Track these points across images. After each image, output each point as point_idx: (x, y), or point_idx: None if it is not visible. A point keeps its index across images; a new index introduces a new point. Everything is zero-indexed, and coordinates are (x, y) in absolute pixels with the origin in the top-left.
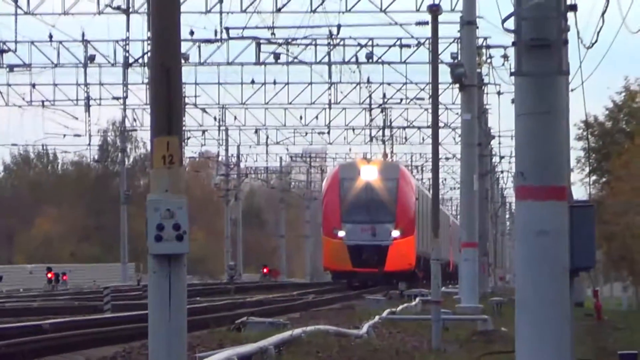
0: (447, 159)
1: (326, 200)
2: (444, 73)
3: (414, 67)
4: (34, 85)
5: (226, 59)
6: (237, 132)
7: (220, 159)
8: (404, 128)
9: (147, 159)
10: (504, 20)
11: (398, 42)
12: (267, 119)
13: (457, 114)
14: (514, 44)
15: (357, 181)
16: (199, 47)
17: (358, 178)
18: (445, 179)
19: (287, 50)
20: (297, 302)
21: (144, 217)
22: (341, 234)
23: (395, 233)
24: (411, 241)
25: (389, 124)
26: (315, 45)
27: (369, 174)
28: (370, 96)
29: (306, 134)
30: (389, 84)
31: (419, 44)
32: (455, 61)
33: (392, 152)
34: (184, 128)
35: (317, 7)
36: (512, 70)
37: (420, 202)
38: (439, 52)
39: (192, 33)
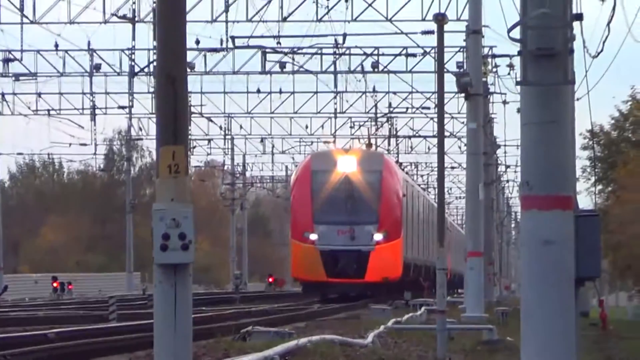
0: (452, 168)
1: (295, 197)
2: (450, 82)
3: (419, 76)
4: (39, 94)
5: (232, 68)
6: (243, 141)
7: (226, 168)
8: (410, 137)
9: (152, 167)
10: (509, 30)
11: (404, 51)
12: (273, 128)
13: (463, 123)
14: (519, 53)
15: (332, 174)
16: (205, 56)
17: (333, 170)
18: (450, 188)
19: (293, 60)
20: (302, 311)
21: (150, 226)
22: (313, 237)
23: (378, 236)
24: (397, 246)
25: (394, 133)
26: (321, 54)
27: (347, 166)
28: (376, 105)
29: (312, 143)
30: (394, 93)
31: (424, 53)
32: (461, 70)
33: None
34: (189, 137)
35: (323, 16)
36: (518, 79)
37: (409, 199)
38: (445, 61)
39: (197, 42)
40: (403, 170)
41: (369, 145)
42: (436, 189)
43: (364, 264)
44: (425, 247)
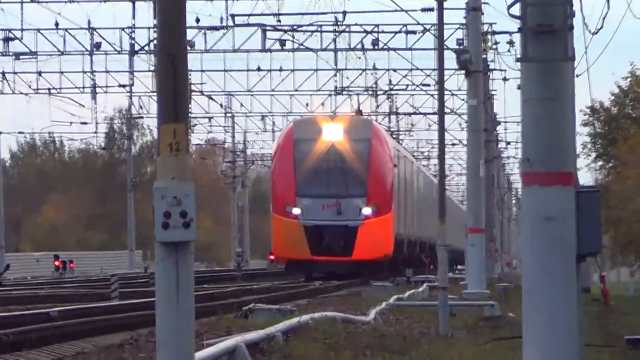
0: (453, 145)
1: (276, 168)
2: (450, 59)
3: (419, 53)
4: (40, 73)
5: (232, 46)
6: (244, 119)
7: (226, 146)
8: (410, 114)
9: (153, 146)
10: (509, 6)
11: (404, 29)
12: (273, 105)
13: (463, 100)
14: (519, 30)
15: (316, 143)
16: (205, 34)
17: (318, 139)
18: (451, 165)
19: (293, 37)
20: (304, 289)
21: (151, 204)
22: (296, 211)
23: (367, 210)
24: (388, 220)
25: (395, 110)
26: (321, 32)
27: (333, 134)
28: (376, 82)
29: None
30: (395, 70)
31: (424, 31)
32: (461, 47)
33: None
34: (190, 115)
35: None
36: (518, 56)
37: (401, 170)
38: (445, 39)
39: (197, 20)
40: (396, 140)
41: (359, 112)
42: (437, 166)
43: (352, 241)
44: (420, 222)
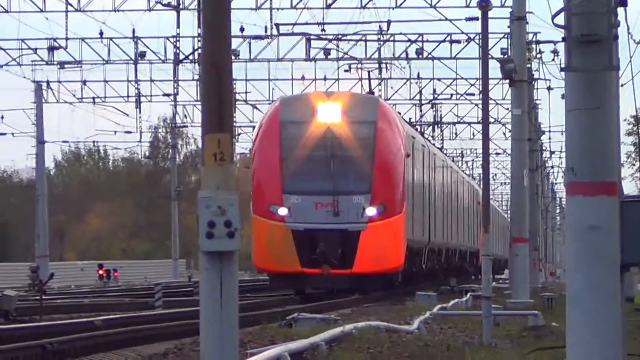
0: (497, 154)
1: (258, 157)
2: (494, 68)
3: (464, 62)
4: (84, 82)
5: (276, 55)
6: None
7: None
8: (454, 124)
9: (197, 155)
10: (554, 16)
11: (448, 38)
12: None
13: (507, 109)
14: (564, 39)
15: (308, 126)
16: (249, 43)
17: (311, 121)
18: (495, 175)
19: (337, 46)
20: (348, 297)
21: (195, 213)
22: (282, 212)
23: (372, 211)
24: (398, 224)
25: (439, 119)
26: (365, 41)
27: (329, 114)
28: (420, 92)
29: None
30: (439, 79)
31: (469, 40)
32: (506, 57)
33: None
34: (234, 124)
35: (367, 3)
36: (562, 65)
37: (417, 161)
38: (489, 48)
39: (242, 29)
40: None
41: (371, 93)
42: (481, 175)
43: (352, 249)
44: (444, 227)
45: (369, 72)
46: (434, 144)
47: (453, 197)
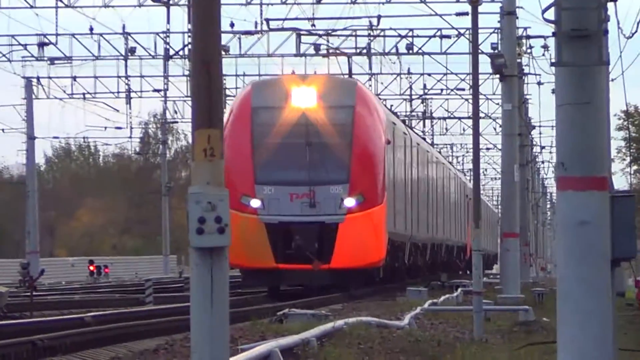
0: (487, 149)
1: (228, 145)
2: (484, 63)
3: (454, 57)
4: (74, 78)
5: (267, 50)
6: None
7: None
8: (445, 119)
9: (188, 150)
10: (544, 11)
11: (438, 33)
12: None
13: (498, 104)
14: (554, 34)
15: (282, 111)
16: (240, 38)
17: (284, 106)
18: (486, 170)
19: (328, 42)
20: (338, 293)
21: (185, 209)
22: (255, 204)
23: (350, 201)
24: (378, 215)
25: (429, 114)
26: (356, 36)
27: (304, 99)
28: (410, 87)
29: None
30: (429, 74)
31: (459, 35)
32: (496, 52)
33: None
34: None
35: None
36: (553, 60)
37: (397, 149)
38: (479, 43)
39: (232, 25)
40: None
41: (350, 74)
42: (471, 170)
43: (330, 243)
44: (429, 220)
45: (348, 56)
46: (420, 135)
47: (439, 190)
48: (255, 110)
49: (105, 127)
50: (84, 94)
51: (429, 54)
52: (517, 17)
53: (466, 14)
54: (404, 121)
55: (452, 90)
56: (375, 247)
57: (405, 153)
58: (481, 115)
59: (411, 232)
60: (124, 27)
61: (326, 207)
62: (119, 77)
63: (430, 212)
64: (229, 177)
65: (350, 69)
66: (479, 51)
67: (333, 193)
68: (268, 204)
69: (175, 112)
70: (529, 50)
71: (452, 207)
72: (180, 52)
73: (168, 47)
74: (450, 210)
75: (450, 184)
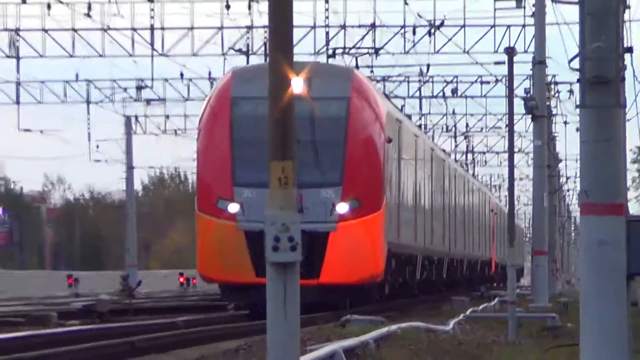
0: (521, 179)
1: (204, 142)
2: (519, 105)
3: (492, 100)
4: (167, 116)
5: None
6: None
7: None
8: (484, 153)
9: None
10: (570, 60)
11: (479, 79)
12: None
13: (530, 140)
14: (578, 80)
15: (265, 103)
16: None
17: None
18: (519, 197)
19: (384, 86)
20: (393, 302)
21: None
22: (233, 208)
23: (343, 207)
24: (376, 223)
25: (471, 149)
26: (408, 81)
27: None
28: (455, 125)
29: None
30: (471, 114)
31: (497, 81)
32: (528, 95)
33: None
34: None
35: (410, 49)
36: (577, 103)
37: (397, 146)
38: (514, 88)
39: None
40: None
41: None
42: (507, 197)
43: (319, 255)
44: (443, 232)
45: (356, 58)
46: (444, 151)
47: (460, 203)
48: (235, 100)
49: (194, 159)
50: (175, 130)
51: (471, 97)
52: (547, 66)
53: (503, 63)
54: (419, 126)
55: (490, 128)
56: (371, 259)
57: (416, 157)
58: (515, 150)
59: (424, 245)
60: (209, 73)
61: (315, 213)
62: None
63: (450, 224)
64: (204, 177)
65: (357, 62)
66: (514, 95)
67: (324, 197)
68: (248, 209)
69: None
70: (556, 94)
71: (475, 221)
72: None
73: None
74: (473, 224)
75: (473, 197)
